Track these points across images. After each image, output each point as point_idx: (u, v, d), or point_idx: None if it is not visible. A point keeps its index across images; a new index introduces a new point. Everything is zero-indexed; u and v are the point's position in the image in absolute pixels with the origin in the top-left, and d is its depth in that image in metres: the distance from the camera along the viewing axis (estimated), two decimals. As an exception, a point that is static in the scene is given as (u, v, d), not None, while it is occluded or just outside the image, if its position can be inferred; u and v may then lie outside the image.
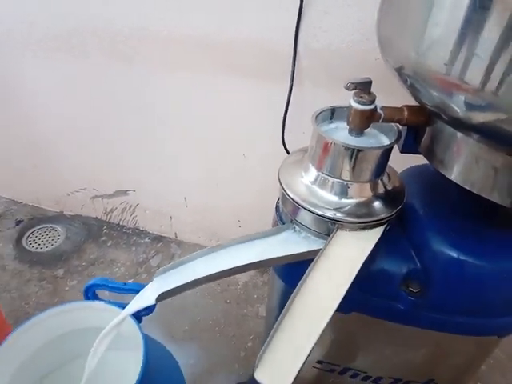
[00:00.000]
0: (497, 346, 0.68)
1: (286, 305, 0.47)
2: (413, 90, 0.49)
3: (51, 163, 1.43)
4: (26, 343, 0.68)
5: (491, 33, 0.37)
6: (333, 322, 0.68)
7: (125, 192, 1.42)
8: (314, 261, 0.51)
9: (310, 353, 0.43)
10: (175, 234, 1.47)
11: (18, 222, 1.49)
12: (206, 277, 0.54)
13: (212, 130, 1.16)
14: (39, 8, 1.07)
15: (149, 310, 0.73)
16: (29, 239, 1.44)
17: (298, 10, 0.87)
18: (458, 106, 0.44)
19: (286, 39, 0.91)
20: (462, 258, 0.56)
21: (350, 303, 0.62)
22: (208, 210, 1.36)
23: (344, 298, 0.49)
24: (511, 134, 0.42)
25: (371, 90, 0.52)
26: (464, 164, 0.51)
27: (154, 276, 0.57)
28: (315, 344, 0.43)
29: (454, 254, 0.56)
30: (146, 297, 0.56)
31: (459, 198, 0.61)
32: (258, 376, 0.44)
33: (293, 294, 0.48)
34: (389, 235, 0.61)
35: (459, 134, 0.49)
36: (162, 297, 0.54)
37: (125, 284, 0.72)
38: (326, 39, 0.90)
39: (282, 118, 1.00)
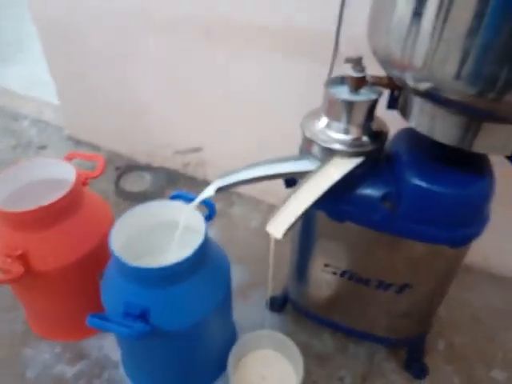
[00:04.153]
0: (454, 261, 0.92)
1: (293, 189, 0.77)
2: (383, 67, 0.75)
3: (145, 124, 1.84)
4: (128, 228, 1.00)
5: (425, 31, 0.62)
6: (333, 229, 0.96)
7: (198, 150, 1.79)
8: (317, 168, 0.80)
9: (302, 213, 0.72)
10: (235, 187, 1.81)
11: (117, 168, 1.93)
12: (248, 179, 0.85)
13: (265, 103, 1.46)
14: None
15: (210, 217, 1.07)
16: (125, 181, 1.87)
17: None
18: (407, 79, 0.69)
19: (330, 29, 1.19)
20: (424, 185, 0.81)
21: (343, 214, 0.90)
22: (262, 168, 1.67)
23: (335, 201, 0.76)
24: (441, 96, 0.67)
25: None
26: (418, 115, 0.76)
27: (215, 179, 0.89)
28: (308, 208, 0.72)
29: (419, 183, 0.81)
30: (208, 190, 0.87)
31: (430, 147, 0.85)
32: (268, 228, 0.75)
33: (298, 184, 0.77)
34: (378, 169, 0.88)
35: (415, 96, 0.75)
36: (218, 190, 0.86)
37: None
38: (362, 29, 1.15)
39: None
